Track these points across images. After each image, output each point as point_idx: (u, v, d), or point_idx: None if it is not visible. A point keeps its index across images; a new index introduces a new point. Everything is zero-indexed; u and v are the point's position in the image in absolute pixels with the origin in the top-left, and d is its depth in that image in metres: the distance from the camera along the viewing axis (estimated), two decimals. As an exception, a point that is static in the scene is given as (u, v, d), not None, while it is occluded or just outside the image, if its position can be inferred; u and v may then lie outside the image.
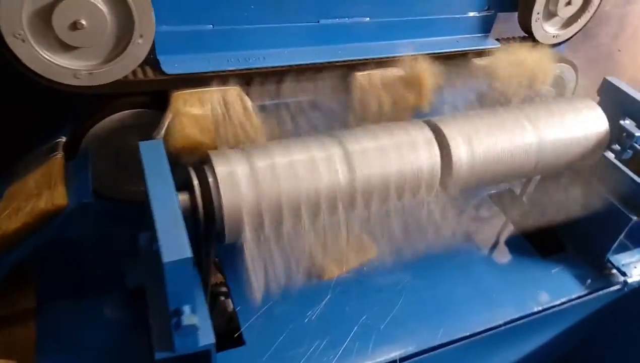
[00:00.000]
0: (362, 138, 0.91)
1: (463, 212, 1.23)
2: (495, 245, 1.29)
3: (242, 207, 0.79)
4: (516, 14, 1.24)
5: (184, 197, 0.80)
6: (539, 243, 1.30)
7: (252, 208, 0.80)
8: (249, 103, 0.94)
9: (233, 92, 0.94)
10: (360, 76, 1.04)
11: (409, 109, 1.06)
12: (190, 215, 0.80)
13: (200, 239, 0.83)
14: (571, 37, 1.33)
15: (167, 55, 0.96)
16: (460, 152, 0.95)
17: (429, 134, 0.95)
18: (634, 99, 1.11)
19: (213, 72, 0.95)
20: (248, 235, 0.80)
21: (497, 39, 1.27)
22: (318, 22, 1.06)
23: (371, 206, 0.90)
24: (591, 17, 1.30)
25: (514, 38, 1.29)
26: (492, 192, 1.40)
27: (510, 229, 1.33)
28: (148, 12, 0.85)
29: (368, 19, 1.10)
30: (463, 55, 1.18)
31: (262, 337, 0.99)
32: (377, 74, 1.05)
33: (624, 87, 1.14)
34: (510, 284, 1.18)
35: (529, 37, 1.27)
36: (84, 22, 0.81)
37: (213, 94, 0.92)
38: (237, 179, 0.80)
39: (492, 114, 1.02)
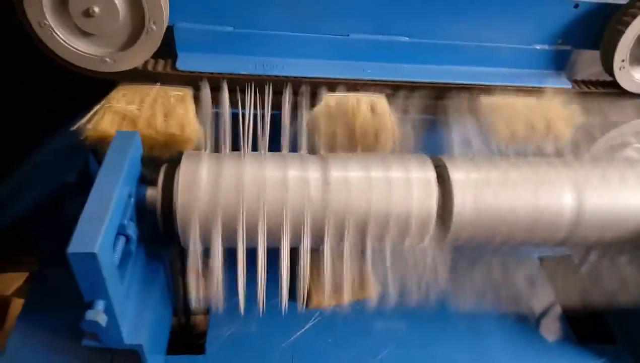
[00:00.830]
0: (350, 166, 0.83)
1: (492, 270, 1.06)
2: (523, 318, 1.09)
3: (195, 211, 0.76)
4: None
5: (151, 192, 0.80)
6: (582, 328, 1.09)
7: (205, 214, 0.77)
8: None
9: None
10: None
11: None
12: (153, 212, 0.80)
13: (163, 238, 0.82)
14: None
15: (186, 52, 0.97)
16: (465, 199, 0.82)
17: (431, 174, 0.83)
18: None
19: (224, 73, 0.94)
20: (195, 240, 0.77)
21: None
22: (348, 35, 0.99)
23: (345, 241, 0.82)
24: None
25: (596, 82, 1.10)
26: (544, 254, 1.20)
27: (550, 302, 1.12)
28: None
29: (407, 38, 1.01)
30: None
31: (223, 351, 0.95)
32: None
33: None
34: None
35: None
36: (96, 9, 0.84)
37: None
38: (197, 182, 0.77)
39: (522, 163, 0.87)
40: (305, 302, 1.04)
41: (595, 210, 0.85)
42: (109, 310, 0.68)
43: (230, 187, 0.77)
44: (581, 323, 1.08)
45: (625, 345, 1.05)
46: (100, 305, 0.67)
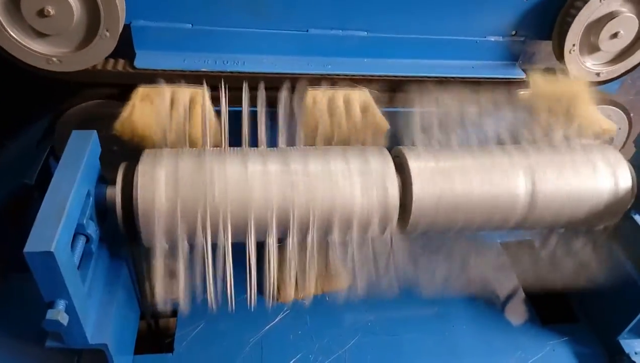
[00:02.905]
0: (312, 159, 0.84)
1: (454, 258, 1.08)
2: (487, 301, 1.12)
3: (155, 209, 0.76)
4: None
5: (110, 191, 0.80)
6: (547, 309, 1.12)
7: (166, 212, 0.77)
8: (208, 105, 0.90)
9: (196, 92, 0.92)
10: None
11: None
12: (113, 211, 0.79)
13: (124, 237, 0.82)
14: (622, 75, 1.13)
15: (145, 50, 0.97)
16: (424, 188, 0.84)
17: (390, 166, 0.85)
18: (674, 157, 0.91)
19: (183, 71, 0.94)
20: (157, 239, 0.77)
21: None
22: (307, 31, 1.00)
23: (309, 234, 0.83)
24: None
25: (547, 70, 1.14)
26: (506, 239, 1.24)
27: (513, 285, 1.15)
28: (114, 7, 0.85)
29: (365, 33, 1.02)
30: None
31: (192, 349, 0.95)
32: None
33: (664, 140, 0.94)
34: (489, 349, 1.02)
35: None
36: (50, 10, 0.83)
37: (169, 91, 0.90)
38: (157, 179, 0.77)
39: (480, 153, 0.90)
40: (274, 297, 1.05)
41: (548, 194, 0.88)
42: (70, 310, 0.68)
43: (190, 183, 0.77)
44: (545, 305, 1.11)
45: (587, 323, 1.09)
46: (61, 304, 0.66)
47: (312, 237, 0.83)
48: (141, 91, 0.89)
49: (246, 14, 0.97)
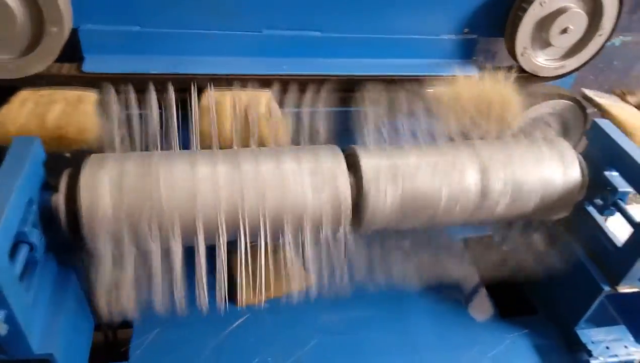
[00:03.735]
0: (262, 159, 0.83)
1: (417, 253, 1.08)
2: (448, 297, 1.12)
3: (99, 214, 0.75)
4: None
5: (54, 198, 0.78)
6: (507, 302, 1.13)
7: (111, 217, 0.75)
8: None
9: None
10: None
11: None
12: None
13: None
14: (576, 70, 1.15)
15: (93, 55, 0.95)
16: (377, 187, 0.84)
17: (342, 165, 0.85)
18: (620, 148, 0.93)
19: (132, 74, 0.93)
20: (105, 246, 0.76)
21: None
22: (261, 32, 1.00)
23: (260, 237, 0.82)
24: (601, 48, 1.12)
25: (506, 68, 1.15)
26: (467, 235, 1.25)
27: (474, 281, 1.16)
28: (56, 8, 0.83)
29: (319, 33, 1.02)
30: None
31: (147, 356, 0.93)
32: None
33: (613, 132, 0.96)
34: (448, 344, 1.03)
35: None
36: (-6, 16, 0.81)
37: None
38: (100, 184, 0.76)
39: (432, 150, 0.90)
40: (233, 301, 1.04)
41: (499, 188, 0.88)
42: (10, 320, 0.66)
43: (135, 187, 0.76)
44: (505, 298, 1.13)
45: (545, 315, 1.11)
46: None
47: (263, 239, 0.82)
48: (22, 94, 0.86)
49: (197, 15, 0.96)
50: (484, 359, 1.01)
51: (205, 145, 0.86)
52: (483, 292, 1.15)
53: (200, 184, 0.78)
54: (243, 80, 0.96)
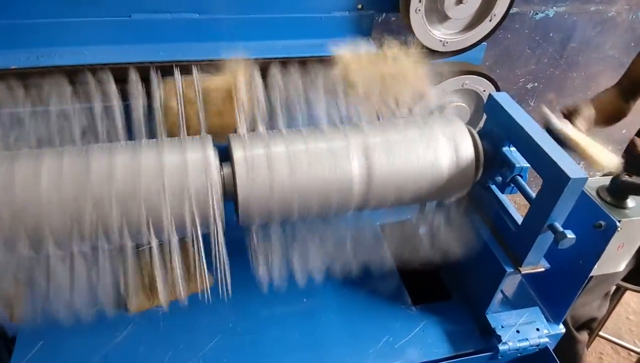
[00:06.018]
0: (121, 153, 0.76)
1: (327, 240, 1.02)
2: (358, 287, 1.07)
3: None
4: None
5: None
6: (422, 288, 1.09)
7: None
8: None
9: None
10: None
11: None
12: None
13: None
14: (476, 44, 1.11)
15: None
16: (250, 177, 0.78)
17: (211, 154, 0.78)
18: (515, 122, 0.88)
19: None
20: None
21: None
22: (130, 16, 0.93)
23: (125, 240, 0.76)
24: (502, 21, 1.08)
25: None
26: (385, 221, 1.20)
27: (387, 266, 1.11)
28: None
29: (197, 15, 0.95)
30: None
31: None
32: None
33: (508, 105, 0.91)
34: (356, 338, 0.98)
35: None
36: None
37: None
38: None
39: (313, 135, 0.84)
40: (125, 306, 0.97)
41: (385, 172, 0.83)
42: None
43: (22, 186, 0.70)
44: (419, 284, 1.08)
45: (459, 298, 1.07)
46: None
47: (126, 242, 0.76)
48: None
49: (58, 2, 0.88)
50: (392, 349, 0.96)
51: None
52: (396, 279, 1.10)
53: (42, 180, 0.72)
54: (117, 70, 0.88)
